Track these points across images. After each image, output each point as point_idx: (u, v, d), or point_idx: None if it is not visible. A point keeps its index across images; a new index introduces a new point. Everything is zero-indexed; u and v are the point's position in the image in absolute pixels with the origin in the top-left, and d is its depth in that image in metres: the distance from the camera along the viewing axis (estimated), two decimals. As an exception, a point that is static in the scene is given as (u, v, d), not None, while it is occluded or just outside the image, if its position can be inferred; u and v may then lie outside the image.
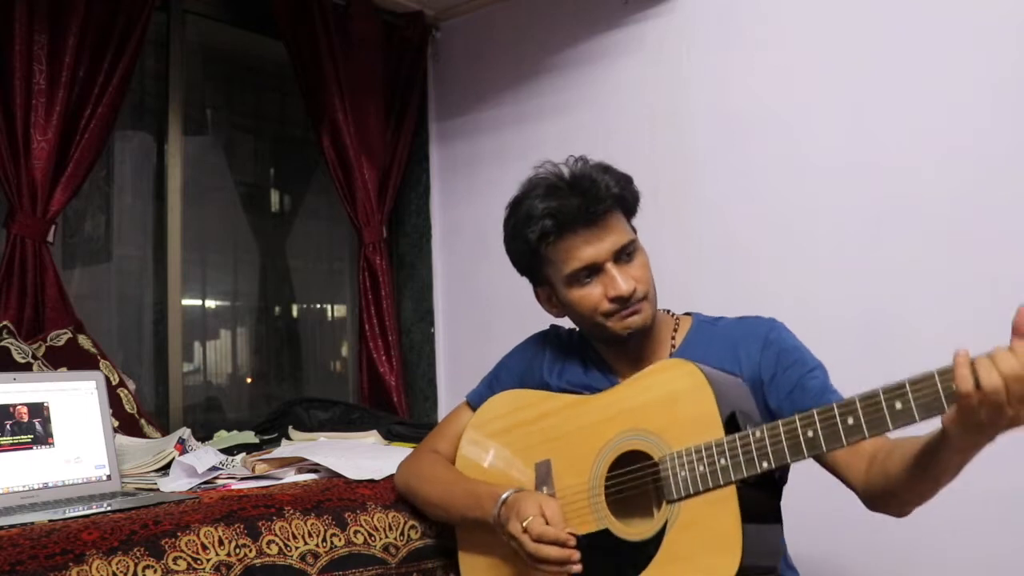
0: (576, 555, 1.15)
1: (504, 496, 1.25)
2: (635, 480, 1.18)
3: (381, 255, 2.79)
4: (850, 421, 0.99)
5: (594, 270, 1.28)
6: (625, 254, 1.29)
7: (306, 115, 2.76)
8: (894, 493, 1.13)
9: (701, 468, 1.09)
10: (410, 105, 2.91)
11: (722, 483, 1.08)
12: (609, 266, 1.27)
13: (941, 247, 1.87)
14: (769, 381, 1.26)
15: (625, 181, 1.31)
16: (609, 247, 1.27)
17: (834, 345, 1.90)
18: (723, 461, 1.08)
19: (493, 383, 1.49)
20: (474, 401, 1.48)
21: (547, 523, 1.17)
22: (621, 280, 1.26)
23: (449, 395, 2.88)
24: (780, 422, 1.05)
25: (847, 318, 1.98)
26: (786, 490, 1.25)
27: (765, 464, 1.05)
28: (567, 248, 1.27)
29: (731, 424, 1.11)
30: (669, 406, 1.16)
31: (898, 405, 0.96)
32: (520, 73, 2.71)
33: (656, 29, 2.38)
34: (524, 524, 1.18)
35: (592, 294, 1.29)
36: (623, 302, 1.27)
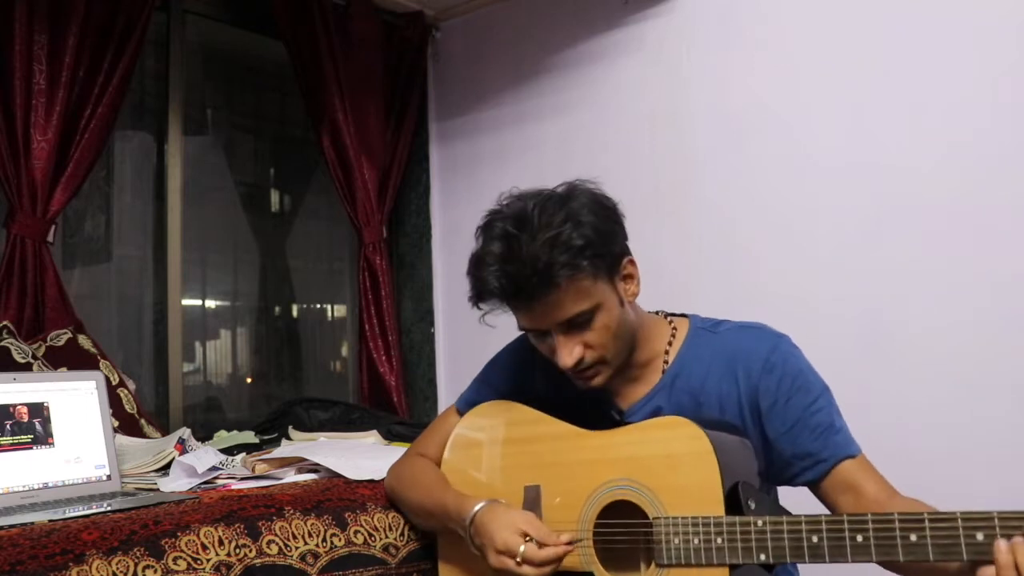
0: (569, 550, 1.15)
1: (471, 514, 1.22)
2: (626, 534, 1.16)
3: (381, 255, 2.80)
4: (859, 539, 0.95)
5: (542, 332, 1.22)
6: (579, 322, 1.18)
7: (306, 115, 2.76)
8: (889, 566, 1.10)
9: (696, 541, 1.06)
10: (410, 105, 2.92)
11: (715, 563, 1.05)
12: (555, 333, 1.19)
13: (941, 247, 1.87)
14: (769, 409, 1.20)
15: (591, 247, 1.15)
16: (553, 320, 1.18)
17: (834, 345, 1.91)
18: (720, 541, 1.05)
19: (482, 387, 1.45)
20: (462, 407, 1.46)
21: (539, 542, 1.15)
22: (564, 353, 1.19)
23: (449, 395, 2.88)
24: (785, 520, 1.01)
25: (847, 318, 1.98)
26: (790, 488, 1.24)
27: (763, 557, 1.02)
28: (513, 310, 1.22)
29: (732, 496, 1.07)
30: (669, 466, 1.13)
31: (913, 537, 0.92)
32: (520, 73, 2.71)
33: (656, 29, 2.38)
34: (519, 559, 1.14)
35: (543, 348, 1.24)
36: (570, 369, 1.21)
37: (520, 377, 1.42)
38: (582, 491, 1.21)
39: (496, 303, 1.20)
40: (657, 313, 1.36)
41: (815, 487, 1.20)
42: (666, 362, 1.29)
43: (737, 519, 1.05)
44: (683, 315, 1.36)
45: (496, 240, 1.18)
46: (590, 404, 1.32)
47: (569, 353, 1.19)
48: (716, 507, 1.07)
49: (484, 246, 1.20)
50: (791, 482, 1.22)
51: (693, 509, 1.08)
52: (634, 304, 1.28)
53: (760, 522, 1.02)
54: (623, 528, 1.17)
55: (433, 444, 1.45)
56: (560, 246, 1.14)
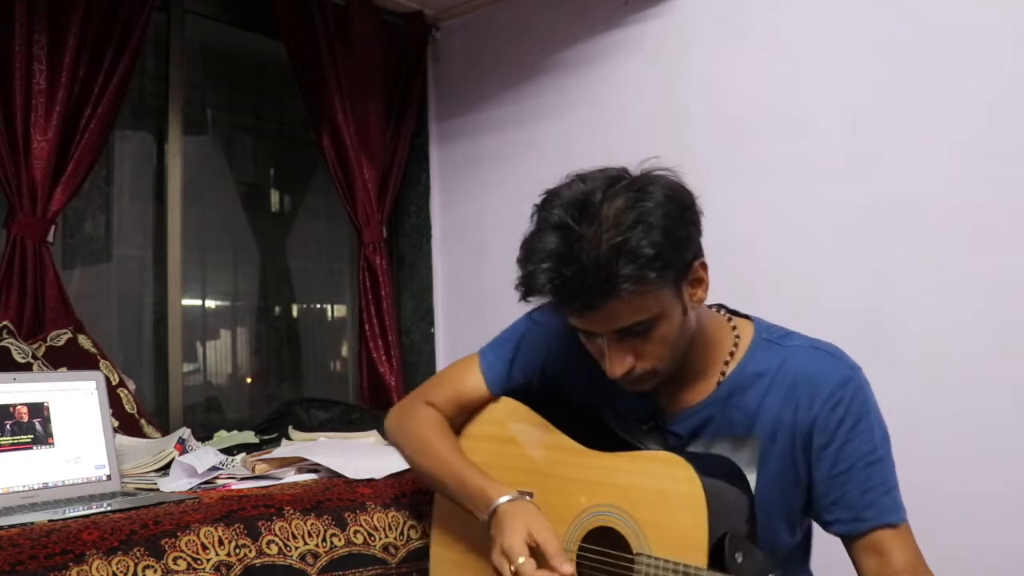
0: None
1: (495, 505, 1.15)
2: (608, 564, 1.13)
3: (381, 255, 2.80)
4: None
5: (593, 334, 1.11)
6: (635, 331, 1.07)
7: (306, 115, 2.76)
8: None
9: None
10: (410, 105, 2.92)
11: None
12: (608, 339, 1.09)
13: (941, 247, 1.87)
14: (822, 448, 1.11)
15: (660, 257, 1.01)
16: (607, 328, 1.08)
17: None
18: None
19: (513, 362, 1.34)
20: (486, 364, 1.35)
21: (546, 558, 1.09)
22: (614, 363, 1.09)
23: (449, 395, 2.88)
24: None
25: (847, 318, 1.98)
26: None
27: None
28: (563, 312, 1.10)
29: (717, 549, 1.02)
30: (658, 502, 1.09)
31: None
32: (520, 73, 2.71)
33: (656, 29, 2.38)
34: (513, 568, 1.08)
35: (591, 348, 1.15)
36: (617, 379, 1.11)
37: (560, 360, 1.31)
38: (571, 510, 1.19)
39: (542, 296, 1.08)
40: (719, 310, 1.26)
41: (845, 539, 1.14)
42: (723, 373, 1.18)
43: None
44: (747, 316, 1.25)
45: (552, 231, 1.04)
46: (631, 401, 1.24)
47: (620, 364, 1.09)
48: (699, 556, 1.02)
49: (539, 236, 1.06)
50: (824, 527, 1.16)
51: (675, 551, 1.05)
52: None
53: None
54: (605, 557, 1.14)
55: (443, 397, 1.36)
56: (627, 254, 1.00)
